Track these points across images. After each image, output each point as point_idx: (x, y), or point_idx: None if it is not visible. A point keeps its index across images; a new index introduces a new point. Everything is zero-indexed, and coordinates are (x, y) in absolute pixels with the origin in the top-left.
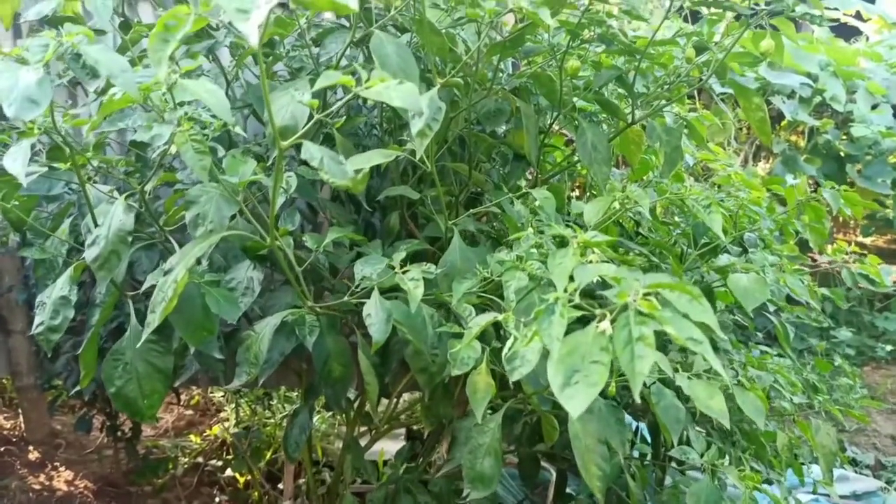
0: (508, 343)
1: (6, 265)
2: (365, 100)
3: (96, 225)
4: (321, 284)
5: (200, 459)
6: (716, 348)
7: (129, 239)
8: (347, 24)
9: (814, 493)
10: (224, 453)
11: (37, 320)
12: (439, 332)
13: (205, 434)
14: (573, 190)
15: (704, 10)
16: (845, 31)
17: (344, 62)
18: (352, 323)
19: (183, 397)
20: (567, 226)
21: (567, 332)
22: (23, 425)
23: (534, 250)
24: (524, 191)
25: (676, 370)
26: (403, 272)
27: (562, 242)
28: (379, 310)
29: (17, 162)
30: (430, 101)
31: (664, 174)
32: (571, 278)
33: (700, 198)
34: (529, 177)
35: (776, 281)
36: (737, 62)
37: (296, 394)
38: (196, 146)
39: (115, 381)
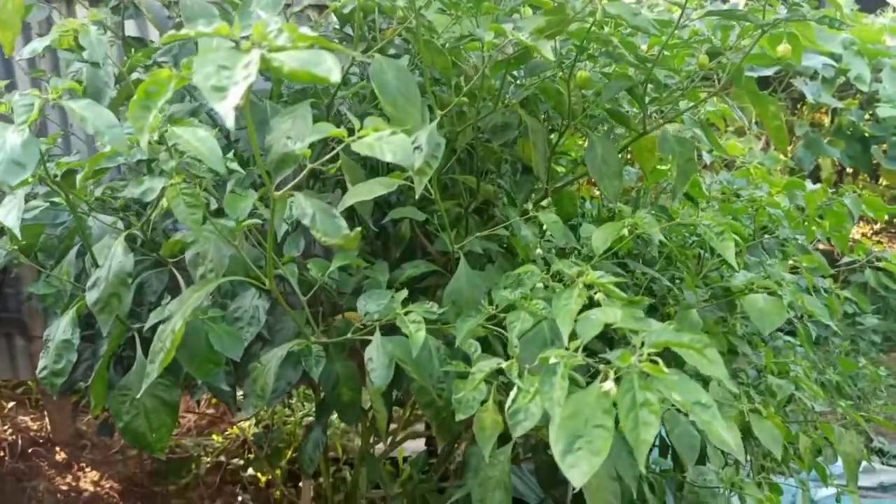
0: (511, 395)
1: (25, 273)
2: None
3: (96, 264)
4: (332, 301)
5: (223, 458)
6: (735, 352)
7: (129, 280)
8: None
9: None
10: (245, 452)
11: (40, 363)
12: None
13: (226, 433)
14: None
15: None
16: (870, 3)
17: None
18: (360, 349)
19: (204, 396)
20: (575, 249)
21: (571, 384)
22: (49, 427)
23: (540, 284)
24: (531, 214)
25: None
26: (406, 312)
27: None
28: (381, 354)
29: (12, 214)
30: (430, 136)
31: (677, 188)
32: (574, 334)
33: (713, 224)
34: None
35: (794, 299)
36: (753, 64)
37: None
38: (187, 199)
39: (123, 415)
